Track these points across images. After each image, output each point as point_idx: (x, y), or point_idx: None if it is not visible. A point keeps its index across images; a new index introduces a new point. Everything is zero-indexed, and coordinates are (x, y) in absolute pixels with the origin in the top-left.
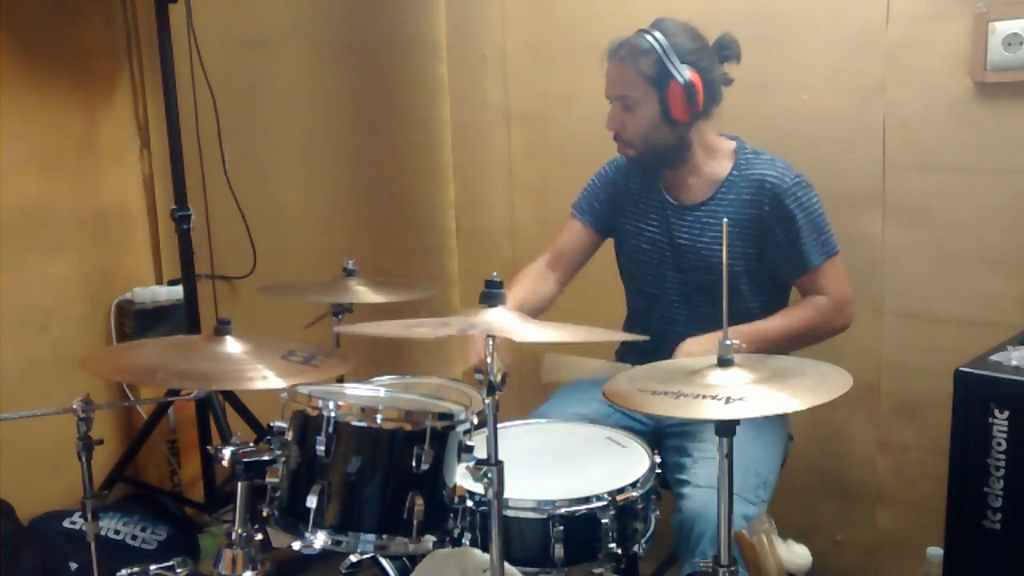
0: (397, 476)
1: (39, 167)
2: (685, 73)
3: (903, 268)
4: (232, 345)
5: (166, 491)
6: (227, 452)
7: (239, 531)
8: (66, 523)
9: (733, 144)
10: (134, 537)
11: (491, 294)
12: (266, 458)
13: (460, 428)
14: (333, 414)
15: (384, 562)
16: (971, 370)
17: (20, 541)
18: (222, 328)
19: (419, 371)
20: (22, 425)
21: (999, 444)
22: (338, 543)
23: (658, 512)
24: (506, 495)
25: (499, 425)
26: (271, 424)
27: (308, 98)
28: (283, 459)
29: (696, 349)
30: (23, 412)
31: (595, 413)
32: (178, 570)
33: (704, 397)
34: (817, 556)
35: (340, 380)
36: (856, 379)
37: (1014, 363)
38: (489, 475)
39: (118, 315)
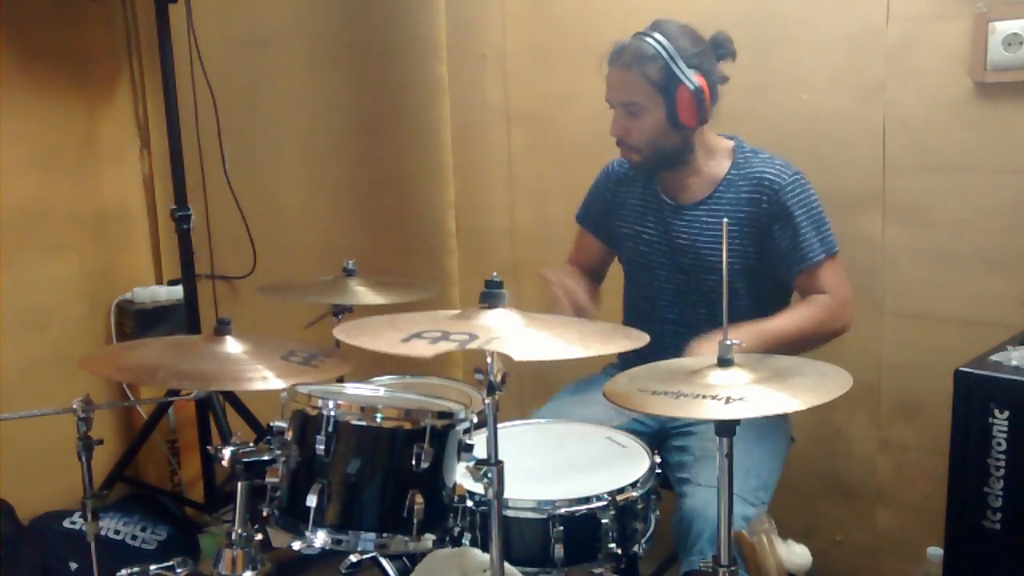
0: (397, 475)
1: (39, 167)
2: (694, 79)
3: (903, 268)
4: (232, 345)
5: (166, 491)
6: (227, 452)
7: (239, 531)
8: (66, 523)
9: (731, 143)
10: (134, 537)
11: (491, 294)
12: (266, 458)
13: (460, 427)
14: (333, 413)
15: (384, 562)
16: (971, 370)
17: (20, 541)
18: (222, 328)
19: (419, 371)
20: (22, 425)
21: (999, 444)
22: (338, 542)
23: (658, 512)
24: (506, 495)
25: (499, 425)
26: (271, 424)
27: (308, 98)
28: (283, 459)
29: (707, 350)
30: (23, 412)
31: (597, 416)
32: (178, 570)
33: (704, 397)
34: (817, 556)
35: (340, 380)
36: (856, 379)
37: (1014, 363)
38: (489, 475)
39: (118, 315)
